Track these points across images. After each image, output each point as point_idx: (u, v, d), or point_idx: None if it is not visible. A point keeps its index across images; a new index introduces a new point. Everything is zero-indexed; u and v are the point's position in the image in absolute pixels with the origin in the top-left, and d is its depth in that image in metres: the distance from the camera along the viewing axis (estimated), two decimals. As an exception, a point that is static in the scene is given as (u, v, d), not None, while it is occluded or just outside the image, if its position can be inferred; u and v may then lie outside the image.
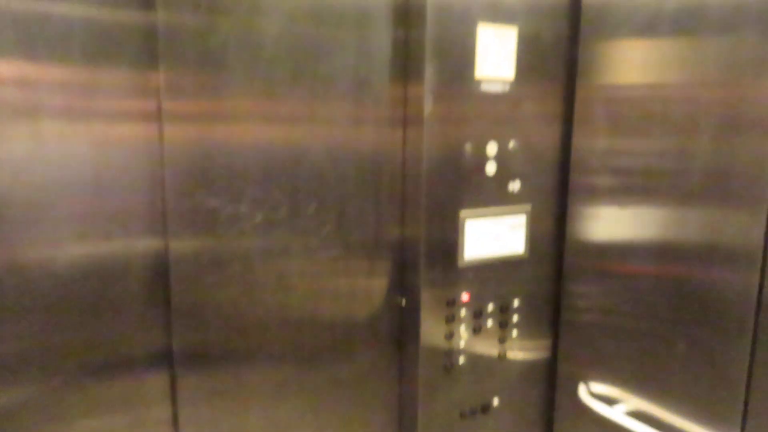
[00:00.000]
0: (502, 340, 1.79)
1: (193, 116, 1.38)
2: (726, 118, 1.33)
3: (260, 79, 1.44)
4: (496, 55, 1.61)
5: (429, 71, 1.53)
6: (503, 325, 1.79)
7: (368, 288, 1.69)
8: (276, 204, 1.51)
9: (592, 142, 1.67)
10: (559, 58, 1.72)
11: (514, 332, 1.82)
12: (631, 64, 1.54)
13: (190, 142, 1.39)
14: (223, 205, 1.45)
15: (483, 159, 1.65)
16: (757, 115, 1.27)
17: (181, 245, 1.42)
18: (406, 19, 1.59)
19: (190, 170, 1.40)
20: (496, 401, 1.83)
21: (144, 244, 1.40)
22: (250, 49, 1.42)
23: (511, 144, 1.68)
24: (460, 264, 1.67)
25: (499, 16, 1.59)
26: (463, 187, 1.64)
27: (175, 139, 1.37)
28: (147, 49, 1.33)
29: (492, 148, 1.66)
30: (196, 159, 1.40)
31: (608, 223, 1.64)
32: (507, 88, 1.64)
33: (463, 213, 1.64)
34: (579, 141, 1.72)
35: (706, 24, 1.35)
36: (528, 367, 1.87)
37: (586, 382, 1.74)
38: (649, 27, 1.48)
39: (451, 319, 1.70)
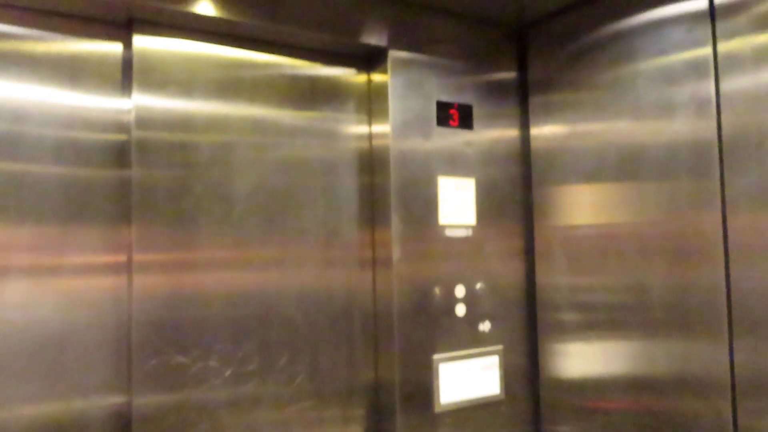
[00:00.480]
0: (486, 493, 1.69)
1: (163, 271, 1.39)
2: (673, 252, 1.41)
3: (232, 233, 1.48)
4: (457, 203, 1.71)
5: (395, 219, 1.60)
6: (486, 475, 1.70)
7: (343, 441, 1.61)
8: (246, 358, 1.47)
9: (555, 280, 1.73)
10: (517, 203, 1.83)
11: (498, 483, 1.72)
12: (582, 205, 1.66)
13: (160, 297, 1.38)
14: (191, 360, 1.40)
15: (452, 301, 1.68)
16: (701, 248, 1.35)
17: (146, 403, 1.34)
18: (371, 170, 1.70)
19: (158, 326, 1.37)
20: None
21: (106, 402, 1.32)
22: (222, 204, 1.47)
23: (478, 285, 1.73)
24: (436, 409, 1.62)
25: (457, 169, 1.72)
26: (435, 330, 1.64)
27: (144, 293, 1.36)
28: (120, 206, 1.37)
29: (460, 291, 1.69)
30: (165, 315, 1.38)
31: (580, 359, 1.65)
32: (470, 232, 1.73)
33: (436, 356, 1.63)
34: (542, 279, 1.78)
35: (645, 170, 1.48)
36: None
37: None
38: (594, 173, 1.62)
39: (432, 472, 1.61)
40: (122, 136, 1.39)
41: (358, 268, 1.67)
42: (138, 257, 1.36)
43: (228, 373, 1.44)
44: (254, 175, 1.52)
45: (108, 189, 1.37)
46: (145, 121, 1.39)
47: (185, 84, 1.45)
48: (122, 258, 1.36)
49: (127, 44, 1.41)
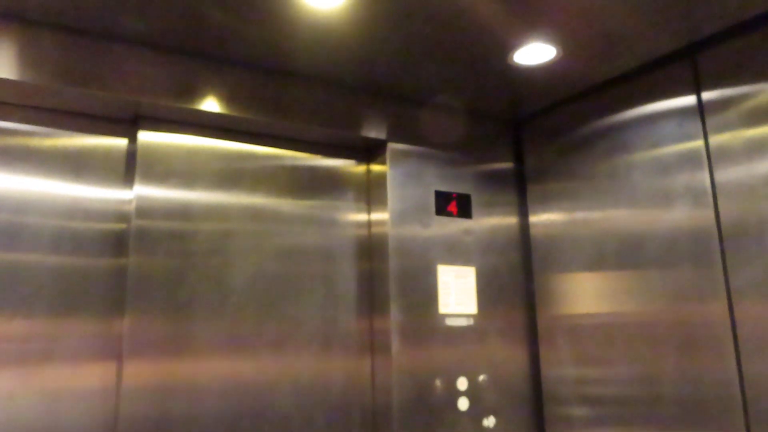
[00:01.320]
0: None
1: (154, 364, 1.35)
2: (682, 342, 1.37)
3: (227, 323, 1.45)
4: (457, 292, 1.68)
5: (394, 308, 1.58)
6: None
7: None
8: (237, 455, 1.40)
9: (561, 371, 1.67)
10: (518, 291, 1.81)
11: None
12: (585, 293, 1.63)
13: (149, 391, 1.33)
14: (179, 460, 1.33)
15: (454, 394, 1.62)
16: (710, 339, 1.32)
17: None
18: (370, 257, 1.69)
19: (146, 423, 1.31)
20: None
21: None
22: (218, 293, 1.45)
23: (481, 377, 1.67)
24: None
25: (457, 257, 1.71)
26: (437, 427, 1.57)
27: (133, 387, 1.31)
28: (114, 295, 1.35)
29: (462, 383, 1.63)
30: (154, 410, 1.32)
31: (590, 457, 1.56)
32: (471, 321, 1.69)
33: (438, 455, 1.55)
34: (547, 370, 1.72)
35: (646, 258, 1.47)
36: None
37: None
38: (595, 261, 1.61)
39: None
40: (121, 226, 1.40)
41: (357, 359, 1.62)
42: (129, 348, 1.32)
43: (218, 474, 1.37)
44: (252, 262, 1.51)
45: (103, 278, 1.36)
46: (145, 210, 1.40)
47: (187, 175, 1.47)
48: (113, 349, 1.33)
49: (132, 139, 1.46)
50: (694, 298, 1.35)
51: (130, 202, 1.41)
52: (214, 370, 1.41)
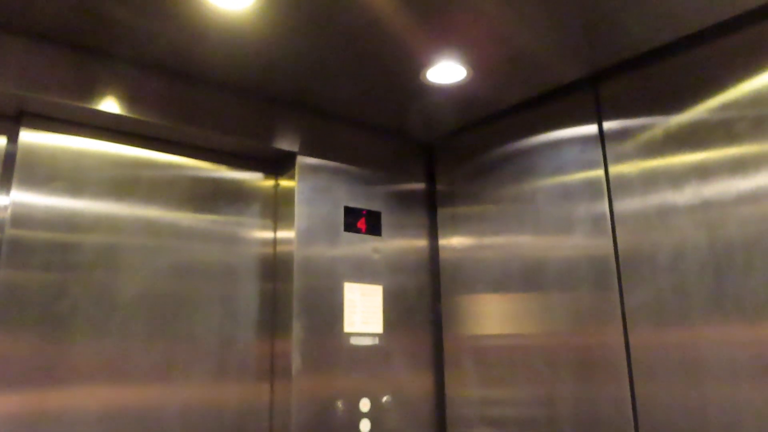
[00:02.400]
0: None
1: (22, 390, 1.22)
2: (580, 365, 1.39)
3: (111, 345, 1.34)
4: (363, 310, 1.65)
5: (297, 326, 1.52)
6: None
7: None
8: (116, 486, 1.30)
9: (465, 392, 1.66)
10: (425, 311, 1.79)
11: None
12: (490, 315, 1.63)
13: (15, 421, 1.20)
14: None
15: (356, 416, 1.57)
16: (605, 362, 1.34)
17: None
18: (274, 276, 1.63)
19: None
20: None
21: None
22: (102, 312, 1.34)
23: (385, 398, 1.63)
24: None
25: (364, 275, 1.68)
26: (337, 450, 1.52)
27: (-3, 415, 1.19)
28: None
29: (365, 404, 1.59)
30: (20, 438, 1.20)
31: (491, 480, 1.56)
32: (377, 341, 1.66)
33: (337, 480, 1.50)
34: (452, 392, 1.71)
35: (547, 283, 1.49)
36: None
37: None
38: (500, 283, 1.62)
39: None
40: (-8, 235, 1.27)
41: (255, 382, 1.54)
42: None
43: (92, 507, 1.26)
44: (143, 278, 1.41)
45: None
46: (22, 218, 1.28)
47: (73, 181, 1.36)
48: (-25, 373, 1.20)
49: (13, 138, 1.33)
50: (592, 321, 1.38)
51: (4, 208, 1.29)
52: (93, 396, 1.30)
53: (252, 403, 1.53)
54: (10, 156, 1.32)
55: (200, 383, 1.45)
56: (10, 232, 1.26)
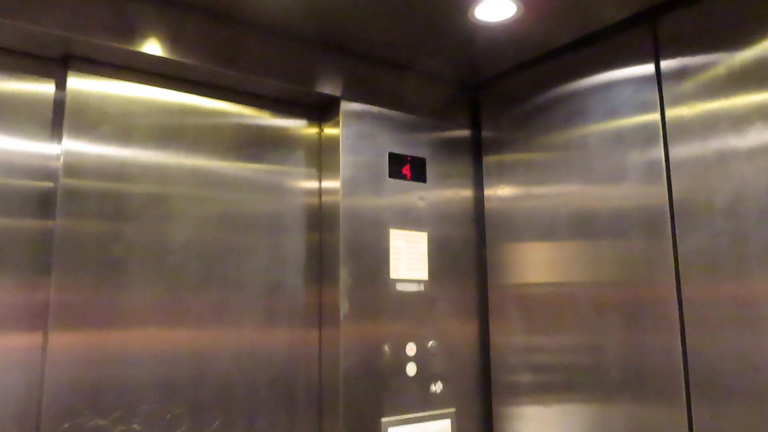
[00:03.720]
0: None
1: (82, 332, 1.27)
2: (629, 313, 1.38)
3: (163, 290, 1.38)
4: (409, 257, 1.65)
5: (344, 273, 1.53)
6: None
7: None
8: (174, 421, 1.36)
9: (510, 340, 1.67)
10: (470, 259, 1.79)
11: None
12: (536, 264, 1.62)
13: (77, 359, 1.26)
14: (110, 424, 1.28)
15: (403, 360, 1.60)
16: (656, 310, 1.32)
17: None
18: (320, 223, 1.64)
19: (74, 386, 1.25)
20: None
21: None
22: (154, 261, 1.37)
23: (430, 344, 1.66)
24: (384, 477, 1.52)
25: (409, 222, 1.67)
26: (384, 392, 1.55)
27: (61, 356, 1.24)
28: (40, 258, 1.26)
29: (411, 349, 1.62)
30: (83, 372, 1.26)
31: (535, 423, 1.58)
32: (422, 287, 1.67)
33: (384, 420, 1.54)
34: (496, 339, 1.72)
35: (597, 229, 1.46)
36: None
37: None
38: (547, 232, 1.59)
39: None
40: (47, 184, 1.30)
41: (304, 326, 1.58)
42: (55, 315, 1.24)
43: (154, 440, 1.32)
44: (192, 227, 1.44)
45: (27, 241, 1.26)
46: (74, 167, 1.30)
47: (122, 129, 1.37)
48: (38, 317, 1.25)
49: (61, 84, 1.33)
50: (643, 270, 1.35)
51: (57, 157, 1.30)
52: (148, 338, 1.35)
53: (301, 347, 1.57)
54: (59, 105, 1.32)
55: (251, 328, 1.49)
56: (64, 181, 1.28)
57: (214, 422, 1.41)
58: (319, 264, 1.62)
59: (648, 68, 1.37)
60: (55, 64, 1.33)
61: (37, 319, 1.25)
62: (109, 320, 1.30)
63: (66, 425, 1.23)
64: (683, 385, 1.26)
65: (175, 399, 1.36)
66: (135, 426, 1.31)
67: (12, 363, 1.22)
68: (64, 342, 1.25)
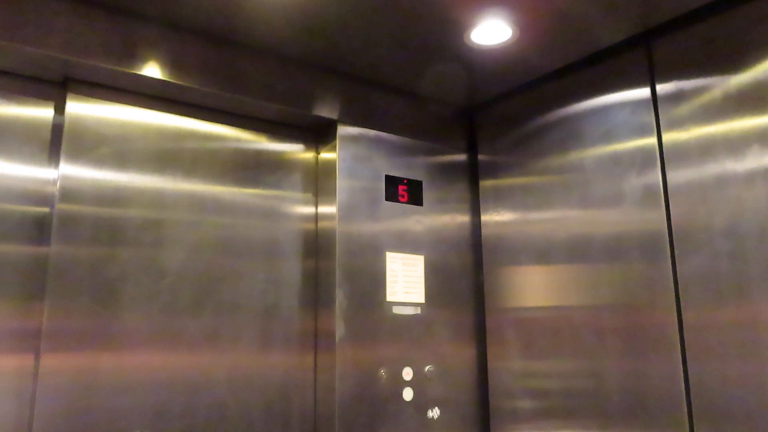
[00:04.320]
0: None
1: (74, 357, 1.26)
2: (629, 337, 1.36)
3: (158, 316, 1.37)
4: (405, 280, 1.64)
5: (339, 296, 1.52)
6: None
7: None
8: (168, 449, 1.34)
9: (508, 365, 1.65)
10: (467, 283, 1.77)
11: None
12: (534, 288, 1.60)
13: (69, 385, 1.25)
14: (103, 455, 1.27)
15: (399, 385, 1.58)
16: (657, 336, 1.30)
17: None
18: (316, 248, 1.63)
19: (66, 411, 1.23)
20: None
21: None
22: (149, 287, 1.37)
23: (427, 368, 1.64)
24: (381, 507, 1.49)
25: (406, 244, 1.66)
26: (380, 418, 1.53)
27: (52, 381, 1.23)
28: (33, 284, 1.25)
29: (408, 373, 1.60)
30: (74, 398, 1.25)
31: (534, 449, 1.55)
32: (419, 311, 1.65)
33: (381, 448, 1.52)
34: (494, 363, 1.70)
35: (595, 253, 1.45)
36: None
37: None
38: (544, 255, 1.58)
39: None
40: (43, 209, 1.30)
41: (299, 351, 1.57)
42: (48, 340, 1.23)
43: (146, 469, 1.31)
44: (187, 251, 1.43)
45: (21, 266, 1.25)
46: (70, 192, 1.30)
47: (119, 154, 1.37)
48: (30, 342, 1.24)
49: (60, 109, 1.34)
50: (642, 295, 1.34)
51: (54, 182, 1.31)
52: (142, 364, 1.34)
53: (296, 371, 1.55)
54: (58, 128, 1.33)
55: (245, 353, 1.48)
56: (60, 206, 1.28)
57: (208, 450, 1.40)
58: (315, 289, 1.62)
59: (644, 92, 1.37)
60: (54, 87, 1.35)
61: (30, 343, 1.24)
62: (102, 345, 1.30)
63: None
64: (686, 411, 1.24)
65: (168, 427, 1.34)
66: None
67: (3, 388, 1.21)
68: (56, 367, 1.24)
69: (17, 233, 1.27)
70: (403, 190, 1.68)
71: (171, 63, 1.37)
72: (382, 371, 1.56)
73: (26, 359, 1.24)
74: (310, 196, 1.65)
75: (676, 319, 1.27)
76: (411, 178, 1.71)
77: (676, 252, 1.28)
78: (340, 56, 1.54)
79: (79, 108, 1.34)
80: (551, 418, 1.52)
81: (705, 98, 1.25)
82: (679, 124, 1.29)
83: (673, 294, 1.28)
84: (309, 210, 1.65)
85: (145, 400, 1.33)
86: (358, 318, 1.54)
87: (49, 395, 1.23)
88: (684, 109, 1.29)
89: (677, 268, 1.27)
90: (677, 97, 1.30)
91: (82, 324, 1.28)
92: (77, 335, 1.27)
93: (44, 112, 1.33)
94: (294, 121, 1.63)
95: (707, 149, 1.24)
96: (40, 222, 1.29)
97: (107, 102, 1.38)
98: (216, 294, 1.46)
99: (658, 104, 1.34)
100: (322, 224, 1.63)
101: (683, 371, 1.25)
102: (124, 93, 1.40)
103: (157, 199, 1.41)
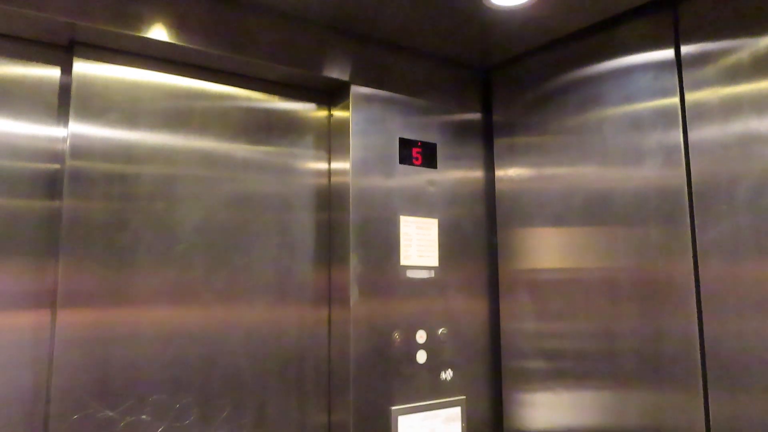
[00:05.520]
0: None
1: (91, 312, 1.25)
2: (644, 299, 1.37)
3: (173, 272, 1.36)
4: (419, 244, 1.63)
5: (354, 259, 1.51)
6: None
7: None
8: (184, 410, 1.34)
9: (521, 326, 1.67)
10: (481, 245, 1.77)
11: None
12: (548, 249, 1.61)
13: (86, 338, 1.24)
14: (119, 415, 1.26)
15: (413, 347, 1.59)
16: (672, 296, 1.31)
17: (66, 471, 1.19)
18: (329, 207, 1.61)
19: (83, 376, 1.23)
20: None
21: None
22: (163, 239, 1.35)
23: (441, 331, 1.64)
24: (394, 466, 1.51)
25: (420, 208, 1.65)
26: (394, 379, 1.54)
27: (69, 334, 1.22)
28: (47, 239, 1.24)
29: (421, 336, 1.61)
30: (92, 364, 1.24)
31: (546, 409, 1.58)
32: (432, 274, 1.65)
33: (395, 408, 1.53)
34: (507, 325, 1.71)
35: (612, 215, 1.45)
36: None
37: None
38: (560, 216, 1.58)
39: None
40: (54, 166, 1.27)
41: (313, 310, 1.56)
42: (64, 295, 1.22)
43: (162, 428, 1.30)
44: (201, 210, 1.41)
45: (35, 221, 1.24)
46: (81, 150, 1.27)
47: (129, 113, 1.34)
48: (47, 296, 1.23)
49: (67, 69, 1.30)
50: (660, 256, 1.34)
51: (63, 140, 1.27)
52: (158, 319, 1.33)
53: (311, 330, 1.56)
54: (65, 88, 1.29)
55: (260, 309, 1.47)
56: (70, 163, 1.26)
57: (223, 412, 1.39)
58: (329, 246, 1.60)
59: (668, 53, 1.35)
60: (60, 51, 1.30)
61: (46, 298, 1.23)
62: (118, 299, 1.29)
63: (75, 417, 1.21)
64: (700, 371, 1.25)
65: (183, 387, 1.34)
66: (144, 417, 1.29)
67: (22, 341, 1.20)
68: (73, 321, 1.23)
69: (31, 190, 1.24)
70: (417, 153, 1.66)
71: (177, 25, 1.32)
72: (396, 334, 1.56)
73: (43, 314, 1.23)
74: (322, 153, 1.63)
75: (692, 276, 1.27)
76: (425, 140, 1.68)
77: (695, 210, 1.28)
78: (352, 16, 1.49)
79: (86, 68, 1.30)
80: (563, 379, 1.54)
81: (731, 60, 1.24)
82: (703, 85, 1.28)
83: (691, 251, 1.28)
84: (322, 166, 1.63)
85: (161, 357, 1.32)
86: (372, 281, 1.54)
87: (67, 348, 1.22)
88: (709, 70, 1.28)
89: (696, 227, 1.28)
90: (702, 59, 1.29)
91: (97, 278, 1.26)
92: (92, 290, 1.26)
93: (51, 72, 1.29)
94: (306, 83, 1.59)
95: (732, 109, 1.23)
96: (52, 178, 1.27)
97: (114, 64, 1.33)
98: (231, 248, 1.44)
99: (682, 66, 1.33)
100: (335, 179, 1.61)
101: (699, 330, 1.26)
102: (130, 55, 1.36)
103: (168, 158, 1.38)
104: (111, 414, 1.25)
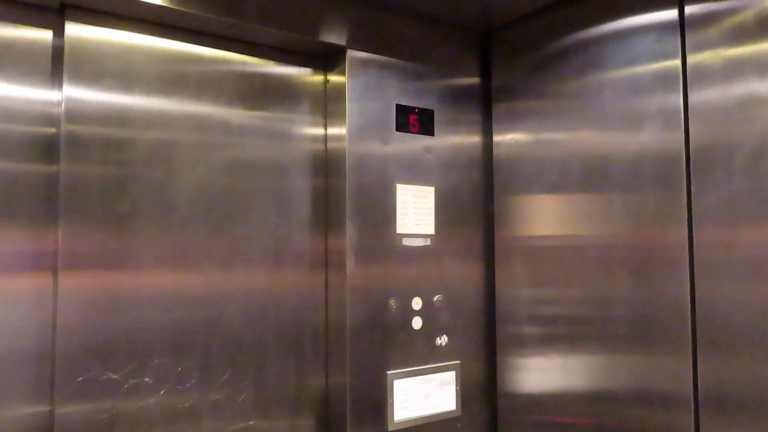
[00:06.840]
0: None
1: (92, 275, 1.27)
2: (638, 265, 1.36)
3: (171, 237, 1.37)
4: (415, 212, 1.63)
5: (350, 227, 1.52)
6: (440, 496, 1.63)
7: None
8: (185, 373, 1.37)
9: (515, 292, 1.67)
10: (477, 212, 1.77)
11: (452, 504, 1.65)
12: (544, 216, 1.60)
13: (88, 301, 1.26)
14: (123, 378, 1.29)
15: (408, 314, 1.60)
16: (666, 262, 1.31)
17: (70, 427, 1.23)
18: (326, 172, 1.61)
19: (87, 339, 1.26)
20: None
21: (23, 425, 1.21)
22: (161, 204, 1.36)
23: (436, 298, 1.65)
24: (390, 427, 1.54)
25: (416, 176, 1.64)
26: (390, 344, 1.56)
27: (71, 297, 1.25)
28: (46, 203, 1.25)
29: (417, 303, 1.62)
30: (95, 327, 1.27)
31: (539, 373, 1.59)
32: (428, 242, 1.65)
33: (390, 372, 1.55)
34: (502, 291, 1.72)
35: (610, 181, 1.43)
36: None
37: None
38: (557, 183, 1.56)
39: (382, 494, 1.53)
40: (51, 130, 1.28)
41: (310, 277, 1.58)
42: (65, 258, 1.24)
43: (164, 390, 1.34)
44: (198, 175, 1.42)
45: (33, 185, 1.25)
46: (76, 113, 1.27)
47: (123, 77, 1.33)
48: (48, 260, 1.25)
49: (59, 32, 1.29)
50: (655, 222, 1.33)
51: (59, 104, 1.27)
52: (158, 284, 1.35)
53: (308, 296, 1.57)
54: (58, 51, 1.29)
55: (258, 275, 1.49)
56: (66, 127, 1.26)
57: (224, 375, 1.42)
58: (325, 213, 1.61)
59: (671, 14, 1.31)
60: (52, 13, 1.29)
61: (47, 261, 1.25)
62: (119, 266, 1.31)
63: (80, 379, 1.24)
64: (690, 335, 1.25)
65: (185, 351, 1.37)
66: (147, 380, 1.32)
67: (25, 303, 1.23)
68: (75, 283, 1.26)
69: (29, 153, 1.25)
70: (414, 120, 1.64)
71: (169, -13, 1.31)
72: (392, 301, 1.57)
73: (45, 276, 1.25)
74: (319, 118, 1.62)
75: (687, 242, 1.26)
76: (422, 106, 1.66)
77: (692, 173, 1.26)
78: (349, -23, 1.47)
79: (78, 31, 1.29)
80: (557, 344, 1.55)
81: (736, 20, 1.20)
82: (706, 46, 1.25)
83: (686, 218, 1.27)
84: (318, 131, 1.62)
85: (163, 318, 1.35)
86: (368, 249, 1.54)
87: (70, 311, 1.25)
88: (712, 31, 1.24)
89: (692, 191, 1.26)
90: (706, 20, 1.25)
91: (96, 242, 1.28)
92: (92, 253, 1.28)
93: (43, 35, 1.29)
94: (301, 47, 1.57)
95: (734, 71, 1.20)
96: (50, 142, 1.28)
97: (107, 27, 1.32)
98: (228, 213, 1.45)
99: (686, 27, 1.29)
100: (331, 144, 1.60)
101: (690, 295, 1.25)
102: (124, 18, 1.34)
103: (164, 122, 1.38)
104: (114, 377, 1.28)
